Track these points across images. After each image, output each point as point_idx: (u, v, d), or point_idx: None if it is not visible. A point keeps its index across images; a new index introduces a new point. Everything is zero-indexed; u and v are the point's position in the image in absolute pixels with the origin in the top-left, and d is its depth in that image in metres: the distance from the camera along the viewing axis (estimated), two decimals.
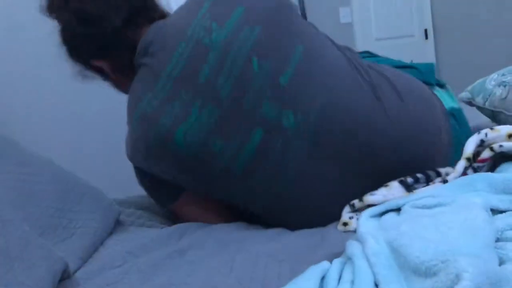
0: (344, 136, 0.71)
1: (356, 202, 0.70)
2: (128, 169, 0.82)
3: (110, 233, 0.77)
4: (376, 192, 0.70)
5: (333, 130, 0.70)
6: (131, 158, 0.77)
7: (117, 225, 0.83)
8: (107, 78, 0.89)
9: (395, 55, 3.52)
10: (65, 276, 0.55)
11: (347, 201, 0.71)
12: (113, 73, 0.85)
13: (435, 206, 0.54)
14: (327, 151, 0.71)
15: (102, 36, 0.78)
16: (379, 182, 0.70)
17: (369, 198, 0.69)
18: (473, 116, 1.28)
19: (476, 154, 0.66)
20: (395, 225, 0.52)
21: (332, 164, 0.71)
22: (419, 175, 0.71)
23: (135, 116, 0.72)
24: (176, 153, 0.69)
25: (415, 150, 0.75)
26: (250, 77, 0.69)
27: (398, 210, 0.59)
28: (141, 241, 0.69)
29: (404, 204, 0.57)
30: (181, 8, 0.80)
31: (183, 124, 0.68)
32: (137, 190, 1.12)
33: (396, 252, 0.47)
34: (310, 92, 0.71)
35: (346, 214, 0.71)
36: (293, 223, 0.74)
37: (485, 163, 0.66)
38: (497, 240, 0.49)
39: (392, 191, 0.68)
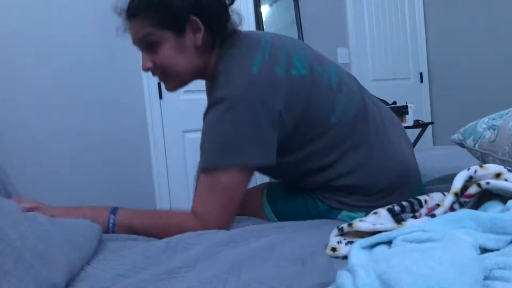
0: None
1: (344, 226, 0.71)
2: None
3: (96, 252, 0.75)
4: (365, 219, 0.71)
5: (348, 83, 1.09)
6: (270, 106, 0.91)
7: (101, 243, 0.80)
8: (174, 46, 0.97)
9: (391, 96, 3.57)
10: None
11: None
12: (201, 40, 0.96)
13: (426, 241, 0.55)
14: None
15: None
16: None
17: (358, 224, 0.70)
18: (465, 156, 1.30)
19: (463, 188, 0.68)
20: (386, 258, 0.53)
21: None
22: (404, 203, 0.77)
23: (257, 65, 0.93)
24: (298, 76, 0.96)
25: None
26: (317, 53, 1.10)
27: (389, 242, 0.60)
28: (130, 261, 0.69)
29: (395, 237, 0.58)
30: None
31: (295, 54, 0.99)
32: None
33: (386, 285, 0.48)
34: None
35: (333, 238, 0.72)
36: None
37: (471, 198, 0.67)
38: (485, 278, 0.50)
39: (381, 219, 0.70)
